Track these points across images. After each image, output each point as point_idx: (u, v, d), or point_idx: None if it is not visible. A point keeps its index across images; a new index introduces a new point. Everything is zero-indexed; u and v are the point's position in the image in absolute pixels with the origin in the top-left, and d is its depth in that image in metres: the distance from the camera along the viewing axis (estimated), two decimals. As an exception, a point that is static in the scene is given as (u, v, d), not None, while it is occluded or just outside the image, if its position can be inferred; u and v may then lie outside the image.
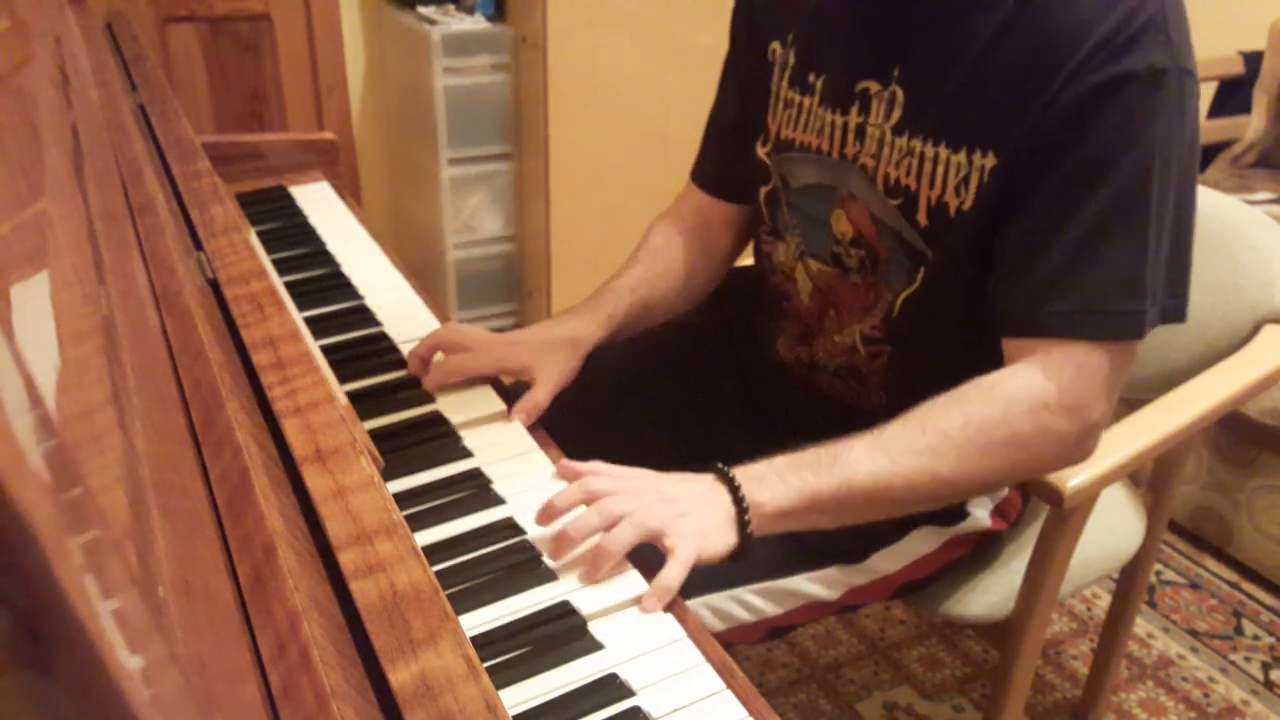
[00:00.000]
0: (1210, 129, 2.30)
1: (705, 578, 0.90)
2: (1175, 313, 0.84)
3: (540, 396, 0.93)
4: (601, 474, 0.80)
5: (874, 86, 0.91)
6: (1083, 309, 0.81)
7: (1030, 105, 0.81)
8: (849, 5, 0.94)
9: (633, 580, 0.73)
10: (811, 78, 0.96)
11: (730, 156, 1.09)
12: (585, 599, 0.71)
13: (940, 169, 0.87)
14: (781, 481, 0.79)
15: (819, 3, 0.96)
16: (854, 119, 0.92)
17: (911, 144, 0.88)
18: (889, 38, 0.90)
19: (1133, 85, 0.78)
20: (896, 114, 0.89)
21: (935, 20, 0.87)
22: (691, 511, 0.76)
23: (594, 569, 0.73)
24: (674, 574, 0.72)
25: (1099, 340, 0.81)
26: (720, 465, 0.80)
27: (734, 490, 0.78)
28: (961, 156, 0.85)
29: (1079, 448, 0.85)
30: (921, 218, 0.89)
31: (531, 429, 0.91)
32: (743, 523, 0.77)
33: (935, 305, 0.92)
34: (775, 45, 1.00)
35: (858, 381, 1.01)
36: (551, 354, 0.96)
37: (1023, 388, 0.82)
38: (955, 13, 0.85)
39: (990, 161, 0.84)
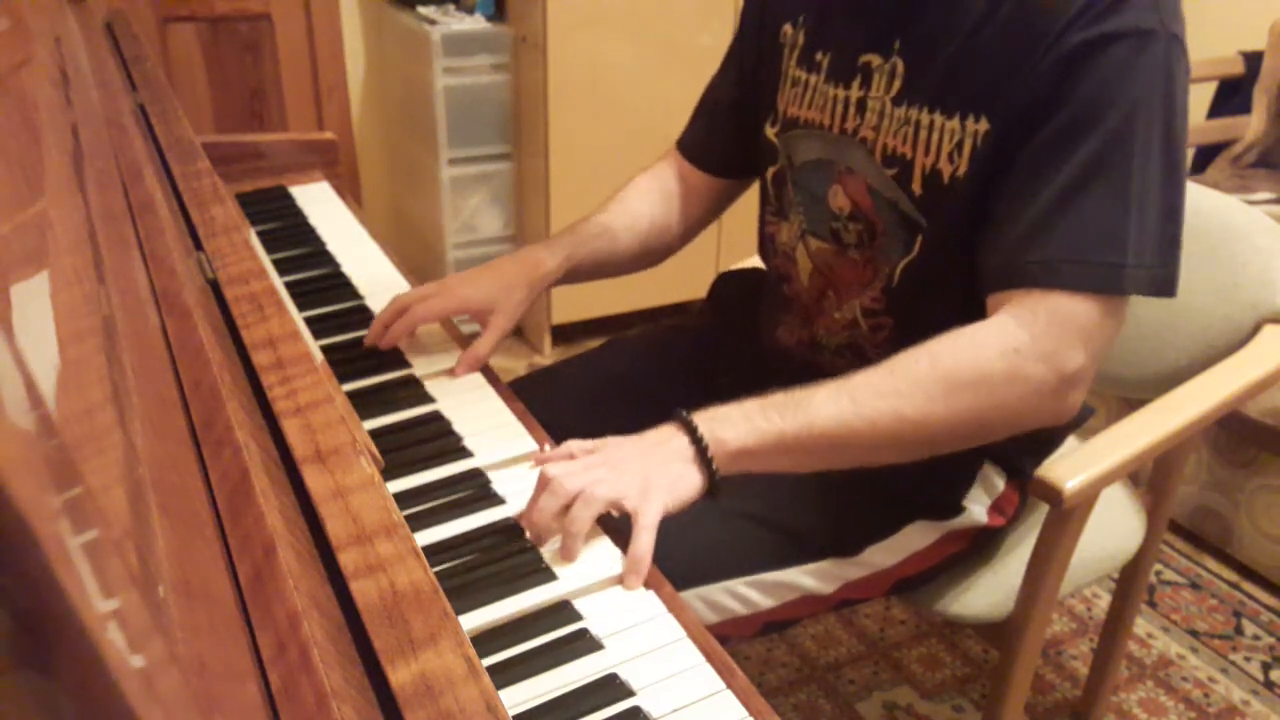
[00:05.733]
0: (1210, 129, 2.30)
1: (698, 569, 0.90)
2: (1165, 285, 0.83)
3: (483, 350, 0.99)
4: (564, 453, 0.81)
5: (875, 59, 0.92)
6: (1059, 258, 0.81)
7: (1020, 68, 0.82)
8: None
9: (614, 557, 0.75)
10: (819, 56, 0.98)
11: (718, 133, 1.13)
12: (577, 586, 0.72)
13: (935, 136, 0.88)
14: (746, 420, 0.80)
15: None
16: (855, 93, 0.94)
17: (909, 113, 0.89)
18: (890, 11, 0.91)
19: (1118, 44, 0.79)
20: (897, 85, 0.91)
21: None
22: (646, 468, 0.77)
23: (567, 554, 0.74)
24: (642, 542, 0.73)
25: (1077, 290, 0.81)
26: (682, 411, 0.81)
27: (692, 431, 0.79)
28: (955, 122, 0.86)
29: (1055, 399, 0.83)
30: (916, 186, 0.90)
31: (533, 430, 0.91)
32: (705, 460, 0.78)
33: (934, 273, 0.92)
34: (787, 27, 1.02)
35: (860, 358, 1.01)
36: (509, 295, 1.01)
37: (995, 332, 0.82)
38: None
39: (983, 127, 0.85)
